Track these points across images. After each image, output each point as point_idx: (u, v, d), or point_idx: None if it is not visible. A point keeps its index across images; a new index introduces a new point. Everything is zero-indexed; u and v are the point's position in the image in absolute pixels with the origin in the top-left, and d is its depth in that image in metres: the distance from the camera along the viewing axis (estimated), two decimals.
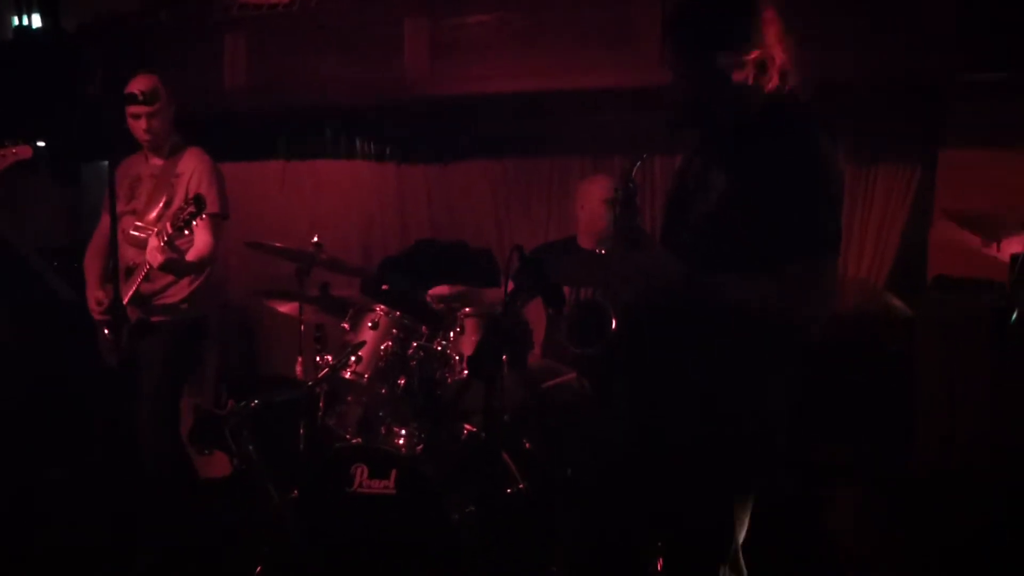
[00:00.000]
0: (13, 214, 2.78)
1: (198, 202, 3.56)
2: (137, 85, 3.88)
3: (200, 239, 3.86)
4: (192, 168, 3.96)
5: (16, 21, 5.94)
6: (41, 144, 4.26)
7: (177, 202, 3.87)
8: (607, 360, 2.51)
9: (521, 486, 3.57)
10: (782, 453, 2.29)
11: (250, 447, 3.53)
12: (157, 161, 4.03)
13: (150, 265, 3.71)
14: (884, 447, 4.14)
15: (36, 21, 5.90)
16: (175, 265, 3.77)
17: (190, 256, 3.83)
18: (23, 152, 4.07)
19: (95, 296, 3.95)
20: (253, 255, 4.39)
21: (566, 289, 3.86)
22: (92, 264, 4.08)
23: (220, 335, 4.67)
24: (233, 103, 5.23)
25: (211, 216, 3.81)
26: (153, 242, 3.66)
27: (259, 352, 5.66)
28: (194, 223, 3.59)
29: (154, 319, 3.90)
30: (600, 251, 3.99)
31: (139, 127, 3.93)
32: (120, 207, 3.94)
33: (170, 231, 3.60)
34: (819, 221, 2.15)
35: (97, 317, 3.94)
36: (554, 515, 3.57)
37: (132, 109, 3.87)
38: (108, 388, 3.99)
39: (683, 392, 2.30)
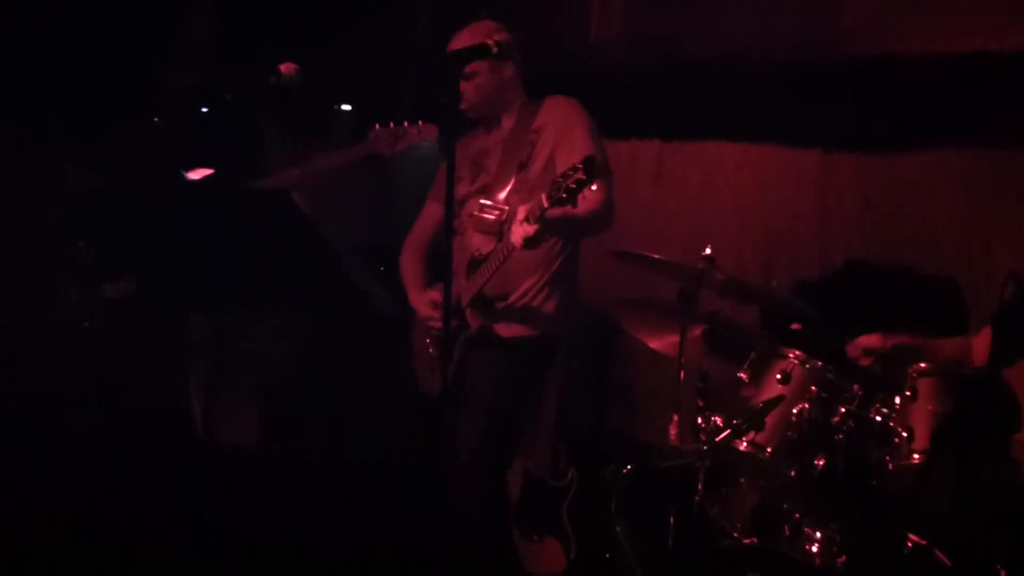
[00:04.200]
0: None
1: (588, 166, 3.31)
2: (463, 39, 4.03)
3: (592, 195, 3.63)
4: (554, 116, 4.03)
5: None
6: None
7: (539, 163, 3.96)
8: None
9: None
10: None
11: (618, 528, 3.63)
12: (507, 122, 4.19)
13: (511, 249, 3.65)
14: None
15: None
16: (553, 229, 3.64)
17: (580, 211, 3.60)
18: (428, 133, 4.19)
19: (427, 298, 4.10)
20: (615, 268, 4.46)
21: None
22: (411, 264, 4.35)
23: (566, 374, 4.61)
24: (600, 60, 5.32)
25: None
26: (519, 215, 3.57)
27: (616, 404, 5.63)
28: (580, 194, 3.38)
29: (498, 329, 3.98)
30: None
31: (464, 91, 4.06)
32: (464, 188, 4.19)
33: (545, 204, 3.43)
34: None
35: (434, 323, 4.07)
36: None
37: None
38: (424, 421, 4.14)
39: None
